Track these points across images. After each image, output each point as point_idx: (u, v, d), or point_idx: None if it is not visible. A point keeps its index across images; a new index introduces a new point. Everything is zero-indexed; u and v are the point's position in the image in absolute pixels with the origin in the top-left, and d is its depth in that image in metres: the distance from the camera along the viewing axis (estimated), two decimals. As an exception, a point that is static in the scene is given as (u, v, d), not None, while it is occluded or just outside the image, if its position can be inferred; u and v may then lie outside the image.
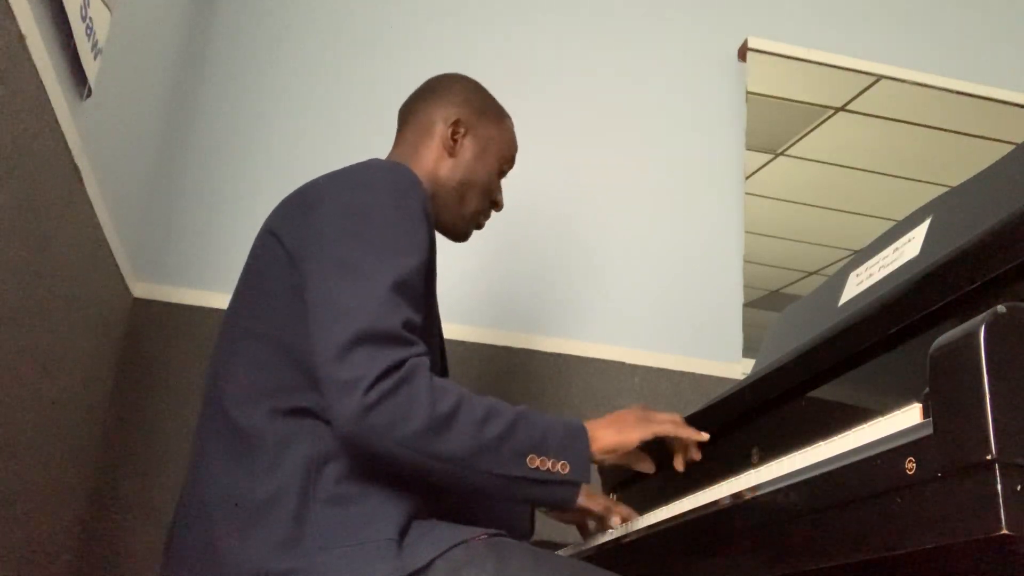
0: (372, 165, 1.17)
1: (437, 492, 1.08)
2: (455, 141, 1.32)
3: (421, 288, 1.08)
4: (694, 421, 1.30)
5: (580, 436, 1.07)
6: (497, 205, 1.40)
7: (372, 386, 0.94)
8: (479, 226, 1.39)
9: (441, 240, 1.27)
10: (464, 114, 1.34)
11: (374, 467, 1.01)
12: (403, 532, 0.97)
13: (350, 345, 0.96)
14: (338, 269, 1.03)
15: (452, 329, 1.89)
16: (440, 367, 1.25)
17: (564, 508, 1.06)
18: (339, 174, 1.16)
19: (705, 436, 1.14)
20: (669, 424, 1.13)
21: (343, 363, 0.96)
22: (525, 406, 1.06)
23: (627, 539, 1.09)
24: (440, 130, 1.33)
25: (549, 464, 1.02)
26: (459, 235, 1.37)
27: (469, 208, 1.34)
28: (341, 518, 0.97)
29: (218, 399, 1.08)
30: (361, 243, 1.05)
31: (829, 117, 2.36)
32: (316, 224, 1.09)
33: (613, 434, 1.10)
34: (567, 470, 1.03)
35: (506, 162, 1.39)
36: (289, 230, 1.12)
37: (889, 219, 2.16)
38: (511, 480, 1.00)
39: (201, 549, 1.01)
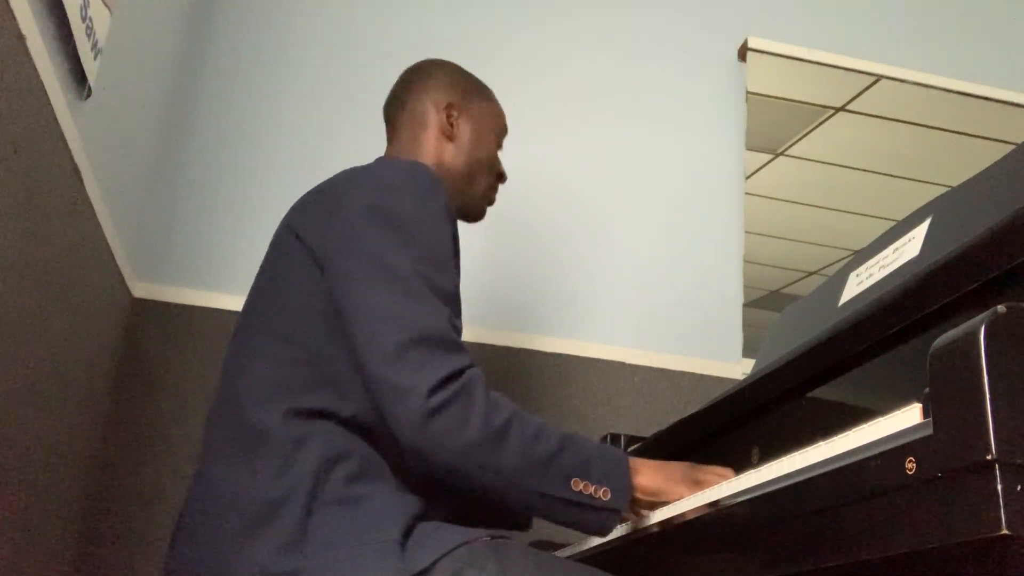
0: (395, 165, 1.15)
1: (441, 494, 1.08)
2: (452, 125, 1.33)
3: (457, 290, 1.09)
4: (694, 421, 1.30)
5: (622, 465, 1.06)
6: (502, 177, 1.42)
7: (433, 391, 0.95)
8: (491, 202, 1.41)
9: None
10: (454, 97, 1.35)
11: (381, 468, 1.02)
12: (407, 533, 0.96)
13: (404, 348, 0.97)
14: (379, 274, 1.03)
15: (452, 329, 1.89)
16: None
17: (601, 534, 1.06)
18: (362, 173, 1.15)
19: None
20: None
21: (398, 367, 0.97)
22: (571, 431, 1.06)
23: (627, 539, 1.09)
24: (434, 118, 1.33)
25: (592, 489, 1.02)
26: (476, 215, 1.40)
27: (480, 187, 1.36)
28: (346, 519, 0.97)
29: (232, 397, 1.08)
30: (398, 249, 1.05)
31: (829, 117, 2.36)
32: (344, 226, 1.08)
33: (660, 479, 1.07)
34: (608, 496, 1.03)
35: (501, 135, 1.41)
36: (312, 230, 1.11)
37: (889, 219, 2.16)
38: (554, 500, 1.01)
39: (206, 547, 1.01)
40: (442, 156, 1.32)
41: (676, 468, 1.09)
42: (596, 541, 1.21)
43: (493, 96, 1.41)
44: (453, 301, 1.07)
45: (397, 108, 1.37)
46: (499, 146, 1.41)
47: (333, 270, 1.06)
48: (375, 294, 1.02)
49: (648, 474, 1.07)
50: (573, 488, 1.01)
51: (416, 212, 1.08)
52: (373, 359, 0.99)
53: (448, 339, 1.00)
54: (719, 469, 1.10)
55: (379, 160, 1.19)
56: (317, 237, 1.10)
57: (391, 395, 0.96)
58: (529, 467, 0.99)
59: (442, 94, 1.34)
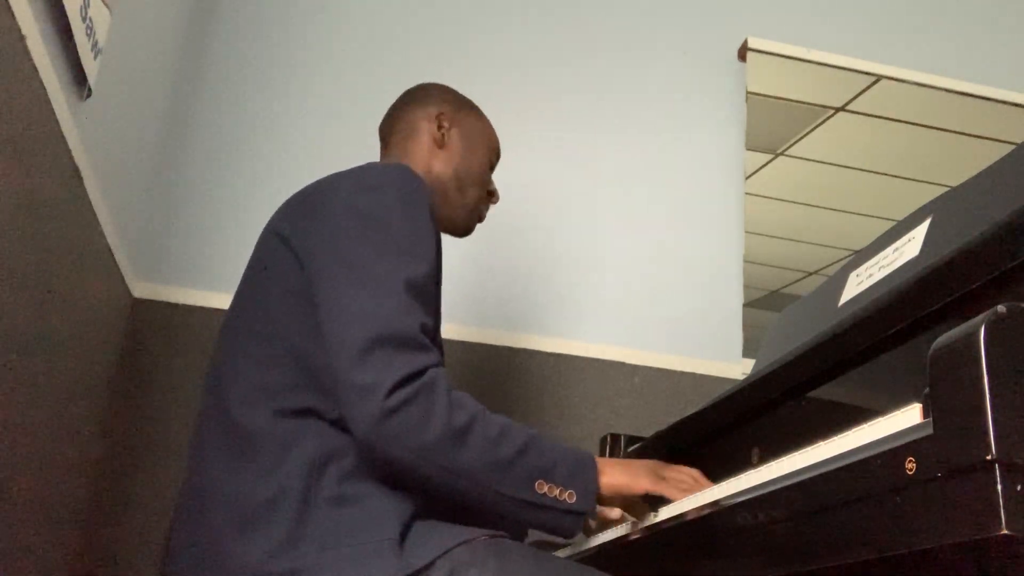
0: (377, 167, 1.17)
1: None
2: (443, 133, 1.36)
3: (432, 290, 1.09)
4: (694, 421, 1.30)
5: (589, 468, 1.06)
6: (493, 196, 1.43)
7: (392, 392, 0.95)
8: (480, 218, 1.42)
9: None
10: (445, 108, 1.38)
11: (377, 468, 1.01)
12: (404, 532, 0.97)
13: (368, 348, 0.97)
14: (351, 272, 1.03)
15: (452, 329, 1.89)
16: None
17: (565, 536, 1.06)
18: (345, 176, 1.16)
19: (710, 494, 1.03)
20: (676, 491, 1.07)
21: (361, 366, 0.96)
22: (537, 431, 1.06)
23: (627, 539, 1.09)
24: (425, 126, 1.36)
25: (556, 492, 1.02)
26: (462, 228, 1.40)
27: (470, 199, 1.37)
28: (343, 518, 0.97)
29: (220, 399, 1.08)
30: (372, 246, 1.05)
31: (829, 117, 2.36)
32: (324, 226, 1.09)
33: (622, 474, 1.08)
34: (573, 499, 1.03)
35: (493, 153, 1.42)
36: (296, 231, 1.12)
37: (889, 219, 2.16)
38: (516, 502, 1.01)
39: (202, 549, 1.01)
40: (432, 163, 1.34)
41: (641, 464, 1.11)
42: (597, 541, 1.21)
43: (485, 117, 1.43)
44: (428, 299, 1.06)
45: (390, 123, 1.41)
46: (492, 166, 1.42)
47: (311, 269, 1.07)
48: (344, 292, 1.02)
49: (612, 472, 1.08)
50: (537, 490, 1.01)
51: (394, 211, 1.09)
52: (338, 358, 0.99)
53: (413, 338, 1.00)
54: (686, 468, 1.11)
55: (365, 163, 1.19)
56: (300, 237, 1.11)
57: (352, 394, 0.96)
58: (490, 468, 0.99)
59: (433, 106, 1.38)
